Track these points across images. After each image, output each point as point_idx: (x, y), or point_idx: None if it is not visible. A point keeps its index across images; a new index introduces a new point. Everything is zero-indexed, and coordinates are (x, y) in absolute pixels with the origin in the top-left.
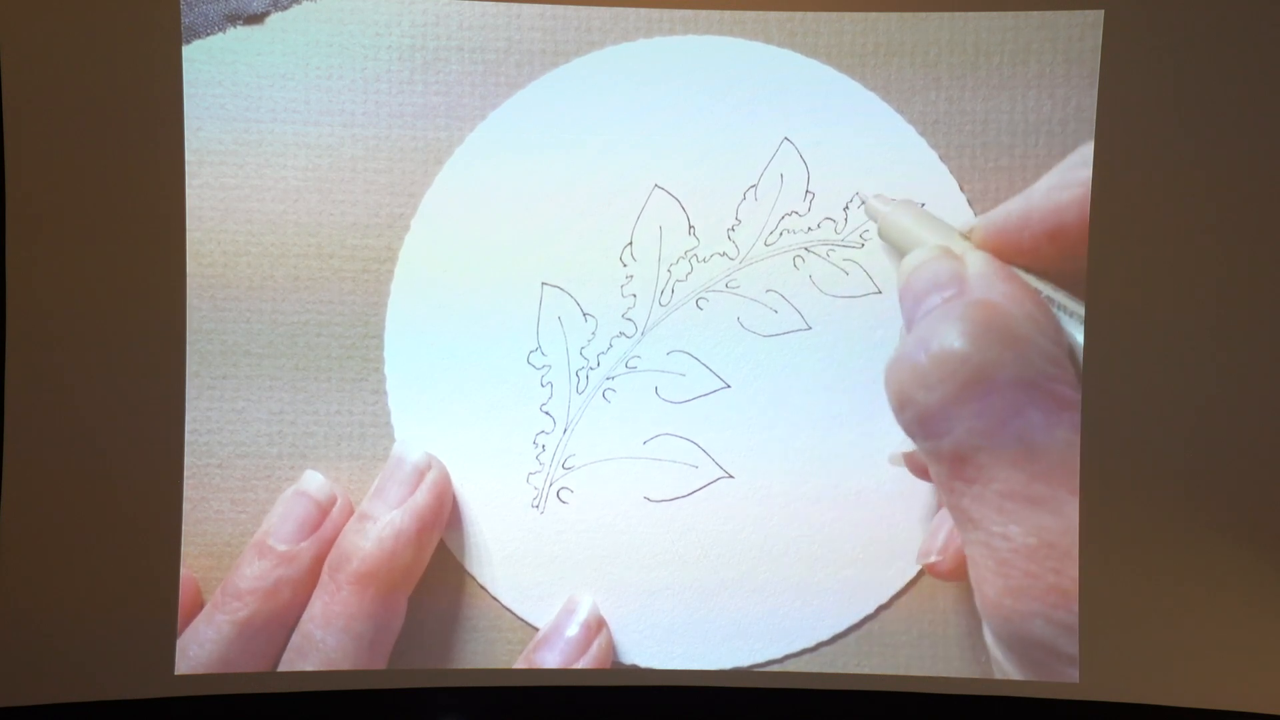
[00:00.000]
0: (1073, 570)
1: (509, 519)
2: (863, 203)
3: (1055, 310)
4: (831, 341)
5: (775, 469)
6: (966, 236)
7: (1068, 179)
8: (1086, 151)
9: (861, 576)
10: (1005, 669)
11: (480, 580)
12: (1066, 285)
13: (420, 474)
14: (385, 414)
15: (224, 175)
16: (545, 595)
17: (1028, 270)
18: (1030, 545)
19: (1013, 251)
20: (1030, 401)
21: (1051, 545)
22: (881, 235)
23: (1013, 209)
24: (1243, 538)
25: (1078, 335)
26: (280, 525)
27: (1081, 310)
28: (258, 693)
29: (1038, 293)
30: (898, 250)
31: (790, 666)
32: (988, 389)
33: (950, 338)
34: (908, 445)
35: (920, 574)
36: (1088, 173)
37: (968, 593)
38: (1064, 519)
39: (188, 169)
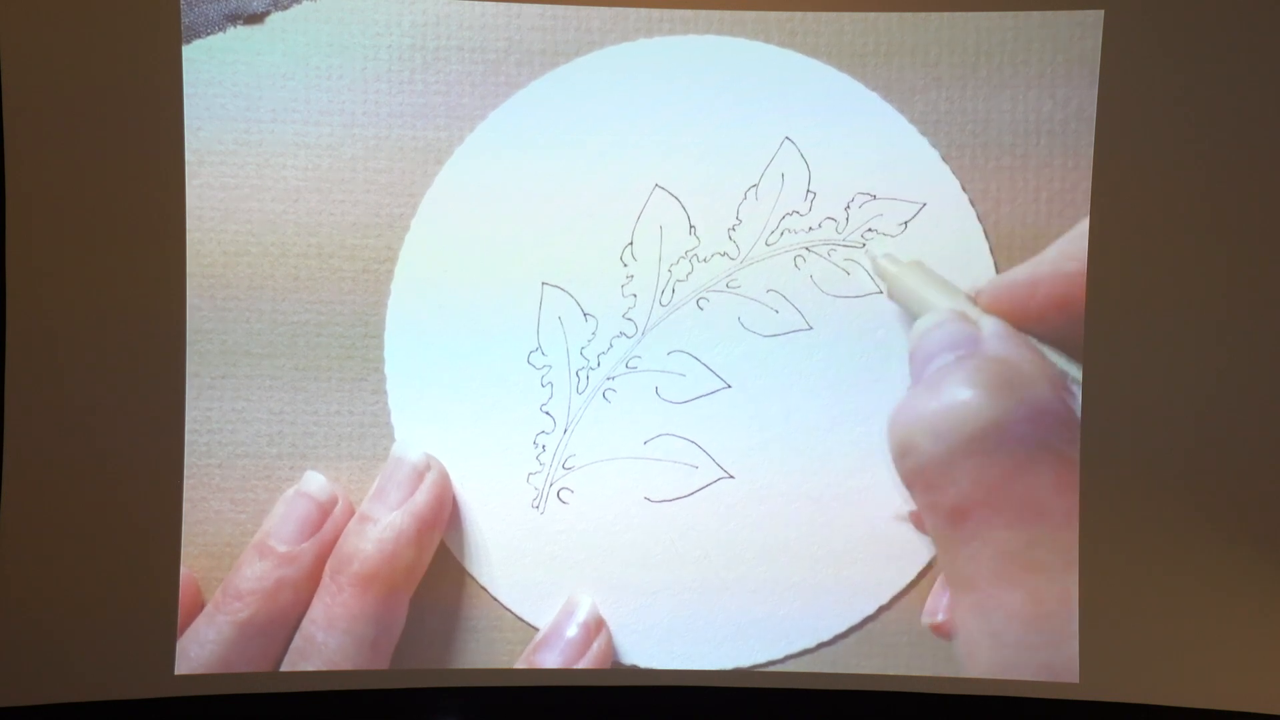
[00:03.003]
0: (1072, 646)
1: (509, 519)
2: (872, 261)
3: (1068, 382)
4: (832, 341)
5: (775, 469)
6: (974, 299)
7: (1077, 249)
8: None
9: (861, 576)
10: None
11: (480, 580)
12: (1076, 356)
13: (420, 474)
14: (385, 414)
15: (224, 175)
16: (545, 595)
17: (1039, 340)
18: (1027, 614)
19: (1020, 316)
20: (1040, 461)
21: (1049, 616)
22: (891, 296)
23: (1020, 275)
24: (1243, 538)
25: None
26: (281, 526)
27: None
28: (258, 693)
29: (1051, 362)
30: (907, 312)
31: (790, 666)
32: (997, 443)
33: (963, 389)
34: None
35: (921, 574)
36: None
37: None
38: (1063, 589)
39: (188, 169)
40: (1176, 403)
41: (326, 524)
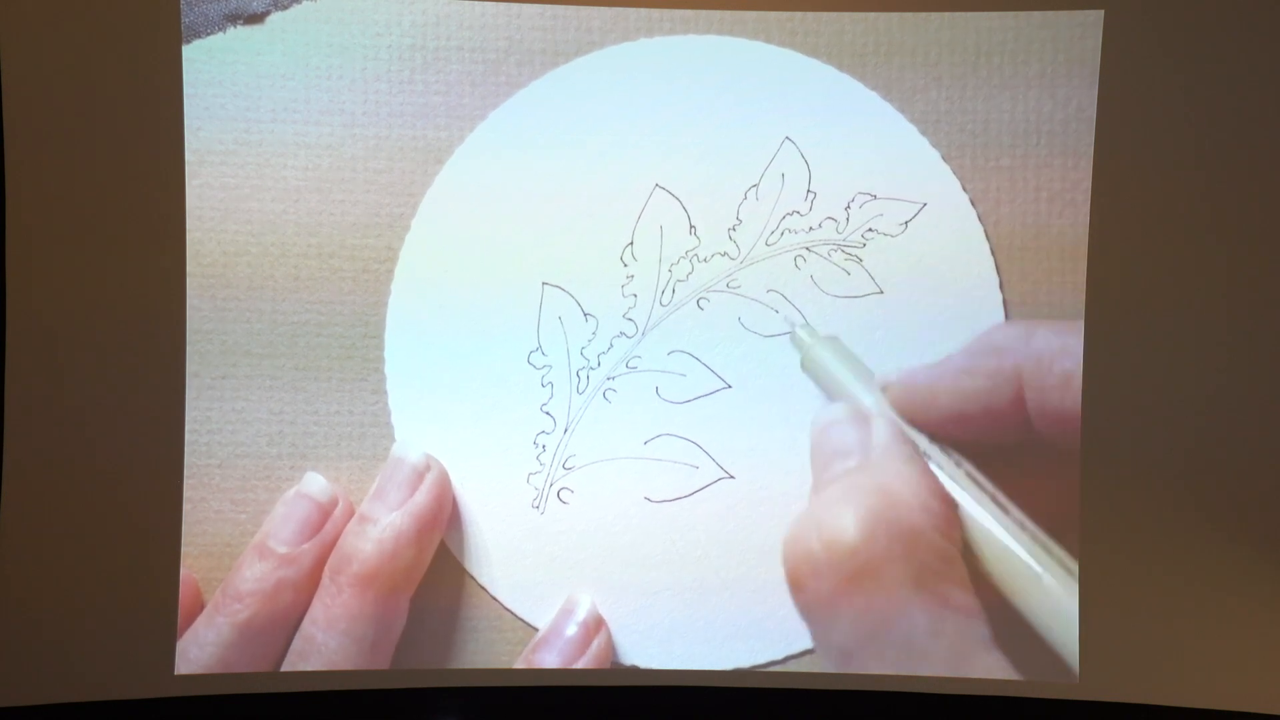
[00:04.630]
0: None
1: (509, 519)
2: (790, 331)
3: (958, 487)
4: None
5: (775, 469)
6: (884, 390)
7: (976, 365)
8: (997, 337)
9: None
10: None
11: (480, 580)
12: (977, 458)
13: (419, 475)
14: (385, 414)
15: (224, 175)
16: (545, 595)
17: (933, 439)
18: None
19: (921, 420)
20: (916, 604)
21: None
22: (803, 367)
23: (922, 380)
24: (1243, 538)
25: (981, 516)
26: (281, 527)
27: (987, 484)
28: (258, 693)
29: (937, 481)
30: (818, 385)
31: (790, 666)
32: (874, 588)
33: (844, 524)
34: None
35: None
36: (997, 362)
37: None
38: None
39: (188, 169)
40: (1176, 403)
41: (326, 525)
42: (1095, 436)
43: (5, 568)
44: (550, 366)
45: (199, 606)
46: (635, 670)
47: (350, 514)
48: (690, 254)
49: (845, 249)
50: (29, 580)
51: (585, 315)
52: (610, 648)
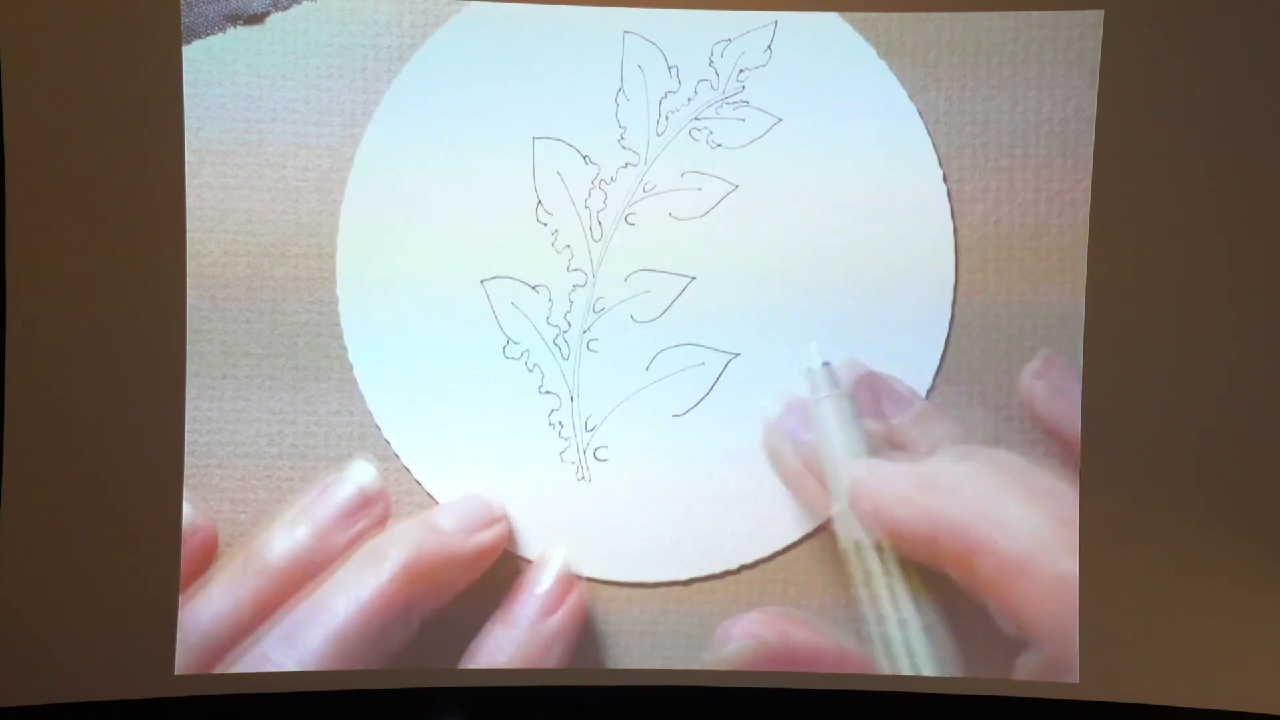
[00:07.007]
0: None
1: (564, 501)
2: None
3: None
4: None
5: (776, 341)
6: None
7: None
8: None
9: None
10: None
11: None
12: None
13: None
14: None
15: (224, 175)
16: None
17: None
18: None
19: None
20: None
21: None
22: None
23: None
24: (1244, 538)
25: None
26: (317, 506)
27: None
28: (258, 692)
29: None
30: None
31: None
32: None
33: None
34: None
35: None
36: None
37: (968, 594)
38: None
39: (188, 169)
40: (1177, 402)
41: (362, 514)
42: (1095, 436)
43: (5, 568)
44: (527, 351)
45: (210, 560)
46: (635, 670)
47: (388, 512)
48: (596, 181)
49: (728, 101)
50: (29, 580)
51: (534, 288)
52: (584, 605)
